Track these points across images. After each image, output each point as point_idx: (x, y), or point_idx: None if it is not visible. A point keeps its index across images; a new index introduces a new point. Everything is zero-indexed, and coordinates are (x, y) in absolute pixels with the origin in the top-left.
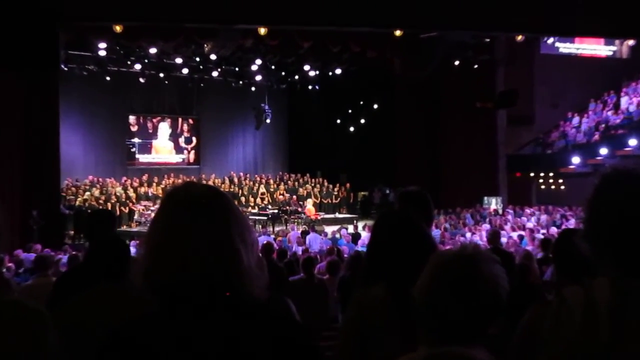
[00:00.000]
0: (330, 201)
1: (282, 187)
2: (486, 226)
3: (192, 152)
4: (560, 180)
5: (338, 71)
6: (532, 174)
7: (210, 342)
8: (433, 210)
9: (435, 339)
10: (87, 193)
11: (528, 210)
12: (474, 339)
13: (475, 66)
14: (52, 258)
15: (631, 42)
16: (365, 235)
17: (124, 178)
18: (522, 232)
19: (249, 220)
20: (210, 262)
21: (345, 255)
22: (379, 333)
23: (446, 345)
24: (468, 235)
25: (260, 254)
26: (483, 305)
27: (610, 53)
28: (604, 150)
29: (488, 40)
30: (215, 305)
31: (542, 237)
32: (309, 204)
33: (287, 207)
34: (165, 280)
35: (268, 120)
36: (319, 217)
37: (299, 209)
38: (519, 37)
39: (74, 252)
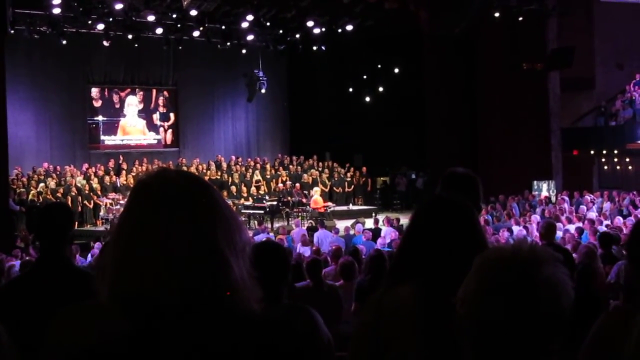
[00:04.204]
0: (342, 190)
1: (282, 173)
2: (536, 217)
3: (169, 131)
4: (628, 159)
5: (349, 27)
6: (592, 152)
7: None
8: (481, 199)
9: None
10: (41, 185)
11: (588, 197)
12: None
13: (521, 18)
14: (2, 264)
15: None
16: (385, 230)
17: (86, 165)
18: (581, 224)
19: (239, 217)
20: (191, 274)
21: (364, 257)
22: (398, 345)
23: None
24: (515, 228)
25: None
26: (543, 318)
27: None
28: None
29: None
30: (200, 328)
31: (605, 229)
32: (316, 194)
33: (289, 198)
34: (134, 295)
35: (263, 90)
36: (327, 210)
37: (304, 200)
38: None
39: (27, 258)
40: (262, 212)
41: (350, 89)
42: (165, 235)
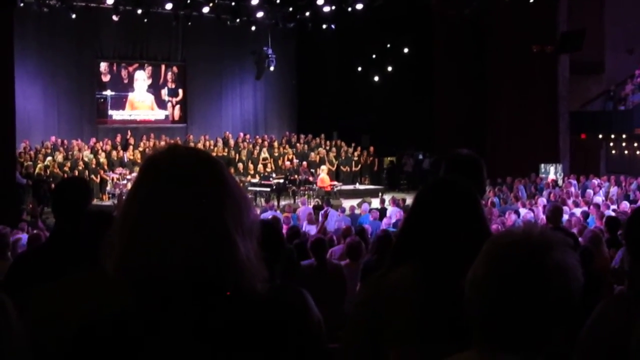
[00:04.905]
0: (349, 169)
1: (289, 151)
2: (542, 200)
3: (177, 107)
4: (636, 144)
5: (359, 6)
6: (600, 136)
7: (199, 348)
8: (486, 181)
9: (487, 345)
10: (49, 158)
11: (595, 181)
12: (536, 347)
13: (532, 0)
14: (7, 237)
15: None
16: (391, 210)
17: (93, 140)
18: (587, 208)
19: (247, 196)
20: (197, 252)
21: (370, 236)
22: (396, 326)
23: (501, 355)
24: (522, 211)
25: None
26: (552, 303)
27: None
28: None
29: None
30: (203, 305)
31: (612, 214)
32: (323, 173)
33: (296, 176)
34: (140, 271)
35: (272, 68)
36: (334, 189)
37: (311, 178)
38: None
39: (34, 231)
40: (268, 189)
41: (359, 68)
42: (172, 213)
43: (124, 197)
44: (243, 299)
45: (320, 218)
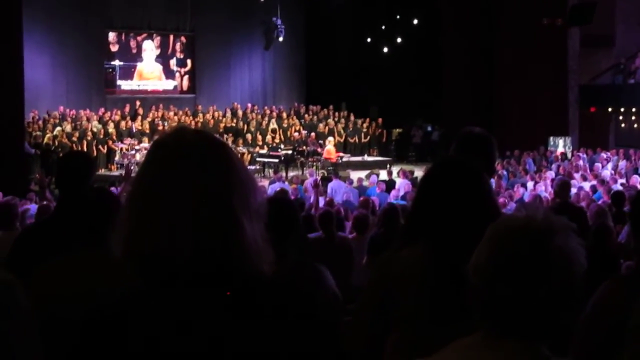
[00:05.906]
0: (357, 140)
1: (297, 122)
2: (551, 174)
3: (186, 77)
4: None
5: None
6: (610, 109)
7: (210, 327)
8: (496, 160)
9: (492, 330)
10: (57, 128)
11: (604, 155)
12: (541, 333)
13: None
14: (16, 208)
15: None
16: (400, 183)
17: (102, 110)
18: (595, 182)
19: (255, 178)
20: (204, 234)
21: (377, 209)
22: (405, 305)
23: (505, 340)
24: (530, 184)
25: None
26: (555, 287)
27: None
28: None
29: None
30: (210, 287)
31: (620, 188)
32: (330, 144)
33: (304, 147)
34: (147, 253)
35: (280, 39)
36: (339, 160)
37: (319, 150)
38: None
39: (44, 202)
40: (277, 160)
41: (368, 40)
42: (180, 195)
43: (132, 172)
44: (250, 280)
45: (328, 190)
